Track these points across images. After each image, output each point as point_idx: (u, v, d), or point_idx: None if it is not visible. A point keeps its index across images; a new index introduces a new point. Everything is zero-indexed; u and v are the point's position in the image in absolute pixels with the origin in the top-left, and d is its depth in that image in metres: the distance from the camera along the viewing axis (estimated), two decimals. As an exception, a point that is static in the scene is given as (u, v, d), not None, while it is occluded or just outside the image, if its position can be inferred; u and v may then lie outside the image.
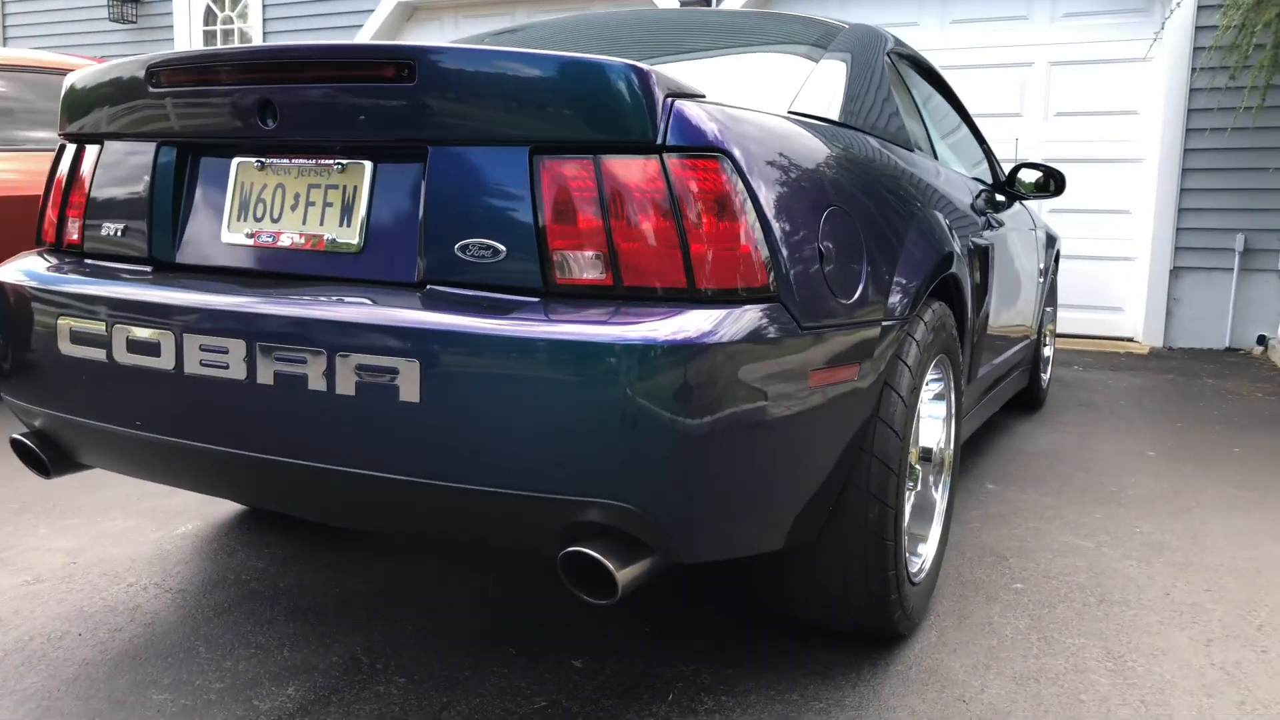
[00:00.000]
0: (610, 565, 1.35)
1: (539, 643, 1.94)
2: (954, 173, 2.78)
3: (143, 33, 9.21)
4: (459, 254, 1.47)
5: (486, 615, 2.07)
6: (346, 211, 1.58)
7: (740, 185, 1.44)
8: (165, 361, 1.57)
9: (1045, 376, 4.43)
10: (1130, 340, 6.57)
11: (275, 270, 1.63)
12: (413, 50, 1.48)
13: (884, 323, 1.74)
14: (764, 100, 1.88)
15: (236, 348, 1.50)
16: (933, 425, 2.18)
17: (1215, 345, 6.33)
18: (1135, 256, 6.51)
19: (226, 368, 1.51)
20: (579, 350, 1.32)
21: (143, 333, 1.59)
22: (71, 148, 1.89)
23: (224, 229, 1.68)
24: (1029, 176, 3.48)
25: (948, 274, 2.08)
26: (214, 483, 1.71)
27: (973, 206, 2.70)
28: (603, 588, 1.39)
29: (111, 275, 1.73)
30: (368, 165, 1.57)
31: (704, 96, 1.49)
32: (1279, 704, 1.78)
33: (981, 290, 2.62)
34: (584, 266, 1.43)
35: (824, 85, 2.10)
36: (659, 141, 1.40)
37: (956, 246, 2.19)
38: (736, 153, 1.45)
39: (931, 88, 3.03)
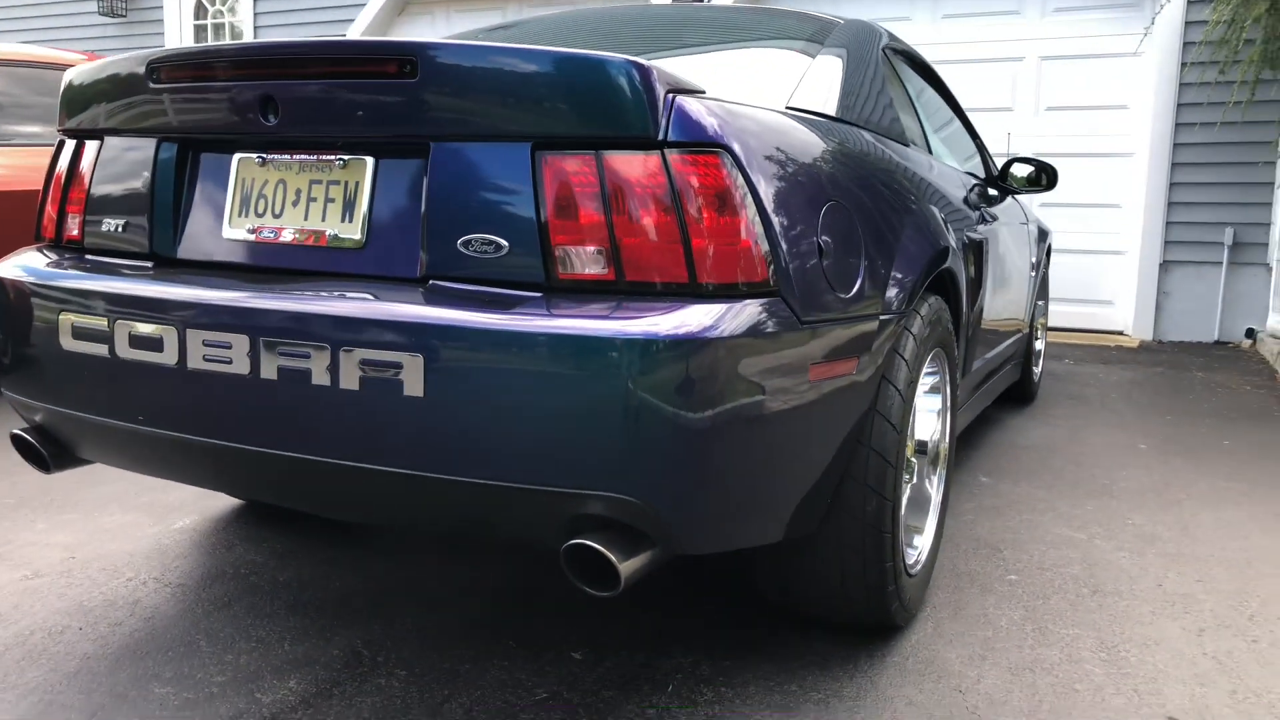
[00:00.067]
0: (613, 557, 1.36)
1: (539, 636, 1.95)
2: (948, 167, 2.79)
3: (133, 27, 9.17)
4: (461, 249, 1.48)
5: (486, 609, 2.08)
6: (348, 207, 1.58)
7: (741, 180, 1.45)
8: (168, 356, 1.57)
9: (1037, 370, 4.46)
10: (1121, 334, 6.61)
11: (277, 266, 1.63)
12: (415, 46, 1.48)
13: (881, 317, 1.75)
14: (761, 96, 1.89)
15: (240, 343, 1.50)
16: (928, 419, 2.20)
17: (1204, 338, 6.37)
18: (1125, 250, 6.55)
19: (230, 363, 1.51)
20: (581, 345, 1.33)
21: (145, 328, 1.59)
22: (71, 143, 1.89)
23: (225, 225, 1.69)
24: (1021, 171, 3.50)
25: (943, 268, 2.10)
26: (217, 477, 1.72)
27: (967, 201, 2.72)
28: (605, 580, 1.40)
29: (112, 270, 1.74)
30: (369, 161, 1.57)
31: (704, 92, 1.50)
32: (1271, 693, 1.81)
33: (976, 284, 2.64)
34: (586, 262, 1.44)
35: (821, 80, 2.11)
36: (660, 137, 1.41)
37: (952, 241, 2.20)
38: (737, 148, 1.46)
39: (925, 82, 3.04)
